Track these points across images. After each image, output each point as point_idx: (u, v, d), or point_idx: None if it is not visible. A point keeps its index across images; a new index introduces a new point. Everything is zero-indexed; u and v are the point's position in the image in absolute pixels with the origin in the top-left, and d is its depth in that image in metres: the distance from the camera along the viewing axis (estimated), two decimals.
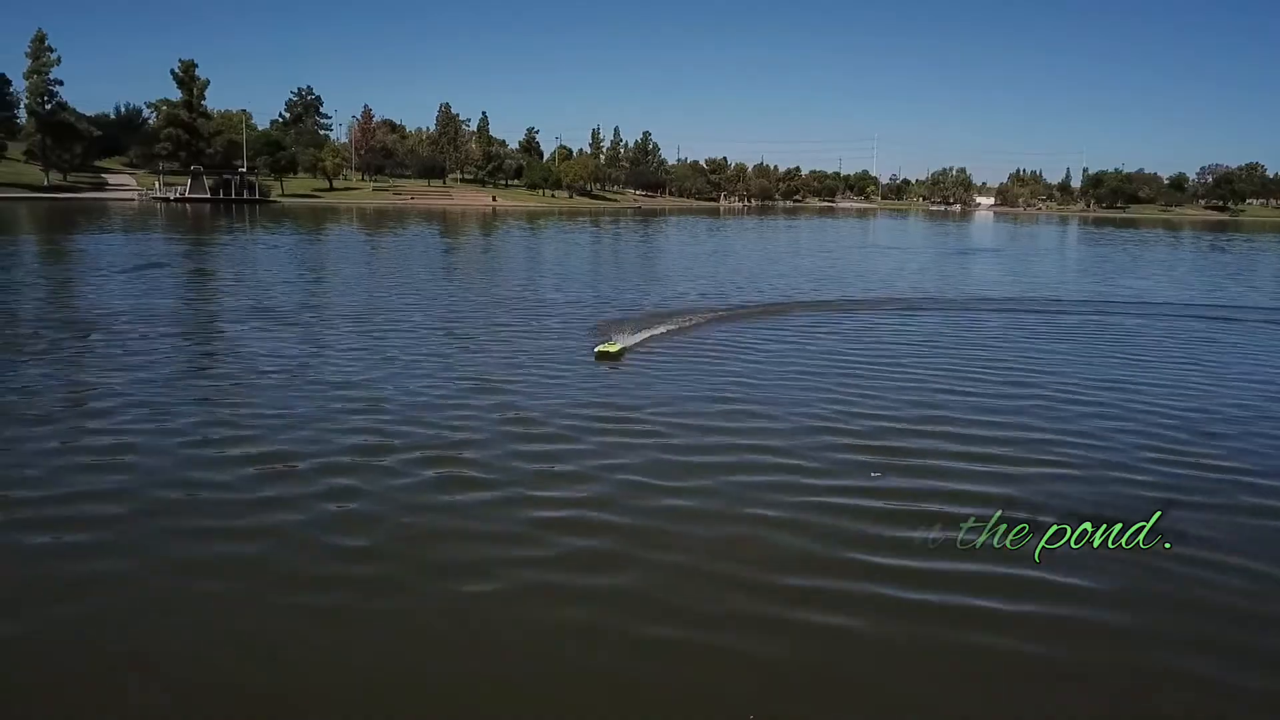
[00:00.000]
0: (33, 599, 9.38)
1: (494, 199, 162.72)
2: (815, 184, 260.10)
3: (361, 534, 11.14)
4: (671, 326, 25.35)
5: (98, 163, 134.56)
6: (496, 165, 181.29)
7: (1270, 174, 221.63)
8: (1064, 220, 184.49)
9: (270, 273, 40.07)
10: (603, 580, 10.10)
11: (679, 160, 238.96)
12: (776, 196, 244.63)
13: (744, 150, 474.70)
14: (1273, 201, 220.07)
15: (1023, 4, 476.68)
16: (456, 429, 15.27)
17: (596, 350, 21.06)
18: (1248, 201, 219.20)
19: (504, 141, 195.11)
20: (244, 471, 13.09)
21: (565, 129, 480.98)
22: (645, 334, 23.72)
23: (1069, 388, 19.48)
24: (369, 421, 15.64)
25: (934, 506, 12.08)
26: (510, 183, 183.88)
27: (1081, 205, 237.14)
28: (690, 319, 27.03)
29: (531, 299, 32.37)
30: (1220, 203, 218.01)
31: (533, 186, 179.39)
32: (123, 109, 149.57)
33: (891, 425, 15.99)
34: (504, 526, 11.42)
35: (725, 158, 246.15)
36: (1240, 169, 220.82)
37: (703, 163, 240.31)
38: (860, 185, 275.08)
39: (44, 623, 8.97)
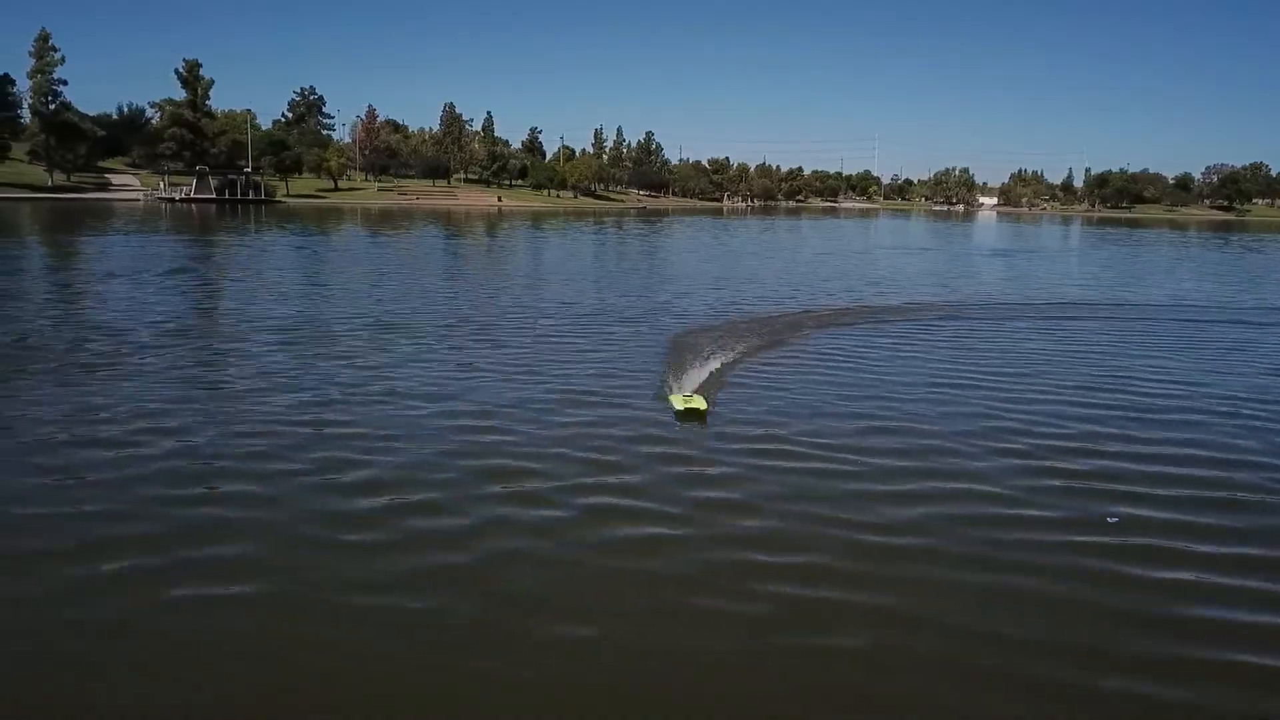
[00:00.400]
0: (199, 668, 7.96)
1: (500, 199, 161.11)
2: (817, 184, 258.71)
3: (540, 580, 9.73)
4: (756, 341, 23.70)
5: (100, 163, 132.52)
6: (501, 165, 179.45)
7: (1275, 174, 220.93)
8: (1067, 220, 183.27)
9: (308, 277, 38.61)
10: (835, 639, 8.68)
11: (681, 160, 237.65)
12: (779, 196, 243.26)
13: (746, 150, 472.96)
14: (1278, 201, 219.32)
15: (1023, 4, 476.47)
16: (586, 449, 13.85)
17: (677, 410, 15.66)
18: (1253, 201, 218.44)
19: (507, 141, 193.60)
20: (374, 502, 11.67)
21: (567, 129, 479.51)
22: (721, 360, 20.68)
23: (1225, 401, 18.14)
24: (488, 444, 14.21)
25: (1193, 545, 10.74)
26: (514, 183, 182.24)
27: (1085, 205, 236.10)
28: (771, 329, 25.52)
29: (593, 303, 30.88)
30: (1226, 203, 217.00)
31: (538, 187, 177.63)
32: (125, 109, 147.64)
33: (1068, 444, 14.67)
34: (693, 570, 10.01)
35: (727, 158, 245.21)
36: (1245, 169, 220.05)
37: (705, 163, 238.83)
38: (862, 185, 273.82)
39: (216, 699, 7.54)
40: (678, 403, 15.81)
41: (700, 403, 15.74)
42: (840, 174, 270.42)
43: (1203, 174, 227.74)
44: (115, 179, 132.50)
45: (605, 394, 17.40)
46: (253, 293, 32.17)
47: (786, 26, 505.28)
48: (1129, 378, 20.33)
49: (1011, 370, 20.75)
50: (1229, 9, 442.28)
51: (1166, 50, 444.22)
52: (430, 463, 13.25)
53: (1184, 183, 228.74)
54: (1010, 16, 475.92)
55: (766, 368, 20.25)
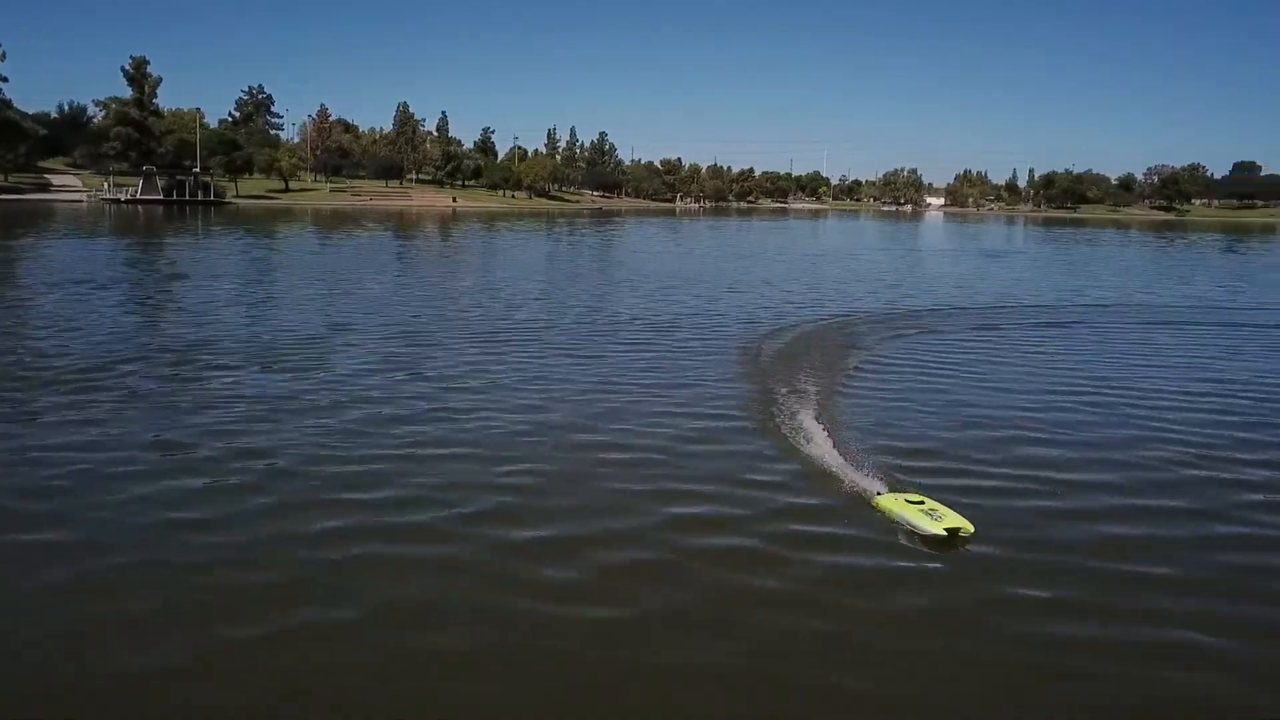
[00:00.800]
0: None
1: (454, 200, 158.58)
2: (768, 185, 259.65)
3: (790, 631, 8.44)
4: (831, 351, 22.36)
5: (40, 163, 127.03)
6: (455, 166, 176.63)
7: (1212, 175, 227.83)
8: (1012, 220, 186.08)
9: (302, 283, 36.56)
10: (1107, 688, 7.58)
11: (633, 161, 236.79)
12: (730, 197, 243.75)
13: (698, 151, 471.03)
14: (1214, 202, 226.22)
15: (971, 9, 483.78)
16: (738, 466, 12.65)
17: (929, 535, 10.33)
18: (1191, 202, 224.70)
19: (459, 141, 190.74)
20: (540, 533, 10.33)
21: (520, 129, 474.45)
22: (820, 375, 18.93)
23: None
24: (619, 463, 12.92)
25: None
26: (467, 183, 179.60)
27: (1030, 205, 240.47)
28: (834, 339, 24.26)
29: (618, 308, 29.58)
30: (1166, 203, 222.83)
31: (492, 187, 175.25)
32: (66, 107, 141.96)
33: (1238, 455, 13.93)
34: (948, 612, 8.87)
35: (679, 158, 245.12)
36: (1184, 169, 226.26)
37: (657, 163, 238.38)
38: (812, 186, 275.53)
39: None
40: (921, 520, 10.51)
41: (958, 520, 10.50)
42: (790, 175, 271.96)
43: (1144, 175, 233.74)
44: (56, 179, 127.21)
45: (711, 409, 16.14)
46: (259, 301, 30.25)
47: (736, 29, 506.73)
48: (1232, 382, 19.77)
49: (1114, 376, 20.08)
50: (1170, 12, 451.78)
51: (1107, 51, 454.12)
52: (570, 489, 11.94)
53: (1126, 183, 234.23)
54: (957, 20, 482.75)
55: (871, 380, 19.11)
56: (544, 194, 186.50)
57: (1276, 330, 29.08)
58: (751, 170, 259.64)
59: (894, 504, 11.12)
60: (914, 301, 33.28)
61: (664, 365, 20.04)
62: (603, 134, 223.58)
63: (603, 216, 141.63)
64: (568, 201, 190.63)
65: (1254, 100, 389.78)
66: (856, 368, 20.17)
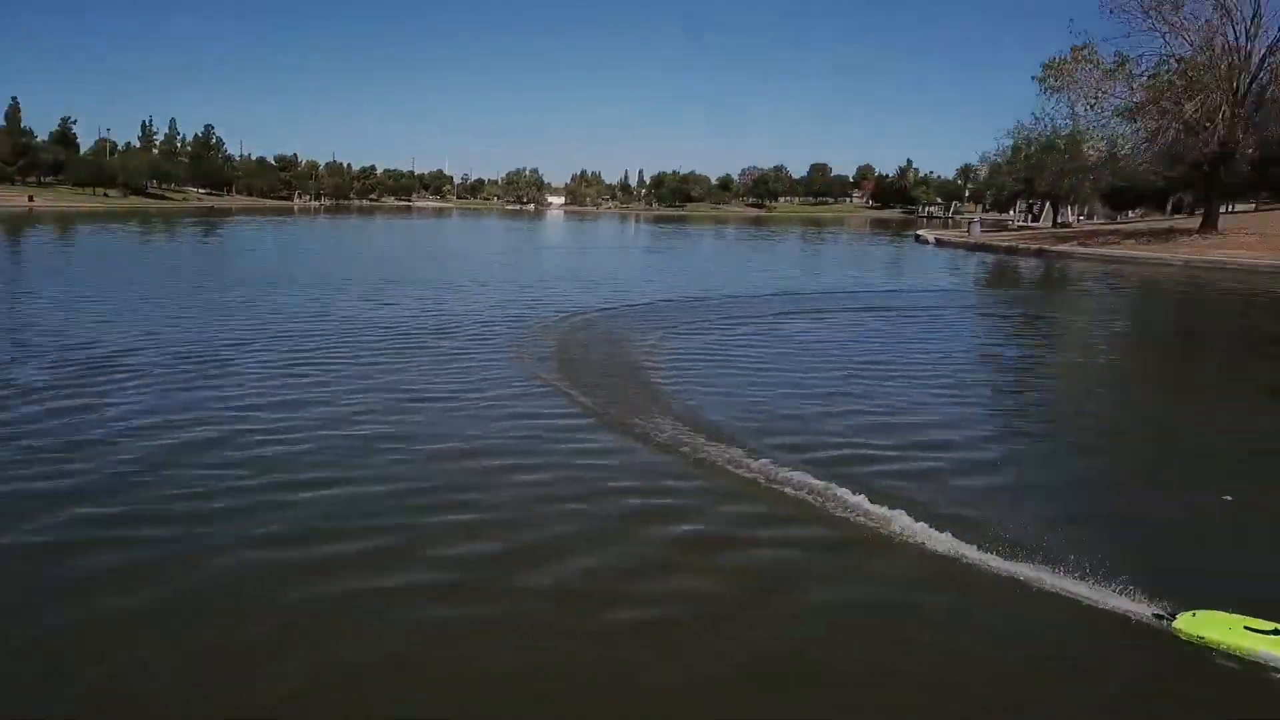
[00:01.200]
0: None
1: (31, 199, 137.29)
2: (391, 183, 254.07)
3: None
4: (614, 346, 22.76)
5: None
6: (30, 160, 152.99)
7: (792, 175, 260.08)
8: (624, 218, 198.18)
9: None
10: None
11: (244, 156, 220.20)
12: (352, 195, 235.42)
13: (315, 147, 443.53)
14: (795, 199, 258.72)
15: (578, 18, 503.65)
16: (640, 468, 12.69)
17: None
18: (778, 199, 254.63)
19: (31, 131, 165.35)
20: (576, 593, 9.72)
21: (109, 120, 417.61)
22: (622, 372, 19.89)
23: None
24: (574, 485, 12.43)
25: None
26: (46, 180, 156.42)
27: (642, 204, 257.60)
28: (603, 336, 24.57)
29: (369, 311, 27.73)
30: (758, 200, 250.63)
31: (80, 184, 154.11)
32: None
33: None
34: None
35: (296, 154, 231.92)
36: (771, 171, 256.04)
37: (271, 159, 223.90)
38: (436, 185, 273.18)
39: None
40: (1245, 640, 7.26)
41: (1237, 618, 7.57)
42: (413, 173, 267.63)
43: (740, 176, 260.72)
44: None
45: (545, 409, 15.99)
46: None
47: (347, 18, 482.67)
48: (948, 352, 23.10)
49: (863, 353, 22.78)
50: (751, 34, 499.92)
51: (695, 63, 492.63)
52: (484, 497, 11.35)
53: (725, 184, 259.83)
54: (567, 25, 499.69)
55: (671, 372, 19.61)
56: (142, 191, 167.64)
57: (930, 309, 33.98)
58: (373, 168, 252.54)
59: (1238, 636, 7.31)
60: (630, 296, 34.38)
61: (460, 367, 19.31)
62: (209, 127, 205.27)
63: (216, 215, 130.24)
64: (171, 200, 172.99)
65: (826, 109, 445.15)
66: (647, 363, 20.68)
